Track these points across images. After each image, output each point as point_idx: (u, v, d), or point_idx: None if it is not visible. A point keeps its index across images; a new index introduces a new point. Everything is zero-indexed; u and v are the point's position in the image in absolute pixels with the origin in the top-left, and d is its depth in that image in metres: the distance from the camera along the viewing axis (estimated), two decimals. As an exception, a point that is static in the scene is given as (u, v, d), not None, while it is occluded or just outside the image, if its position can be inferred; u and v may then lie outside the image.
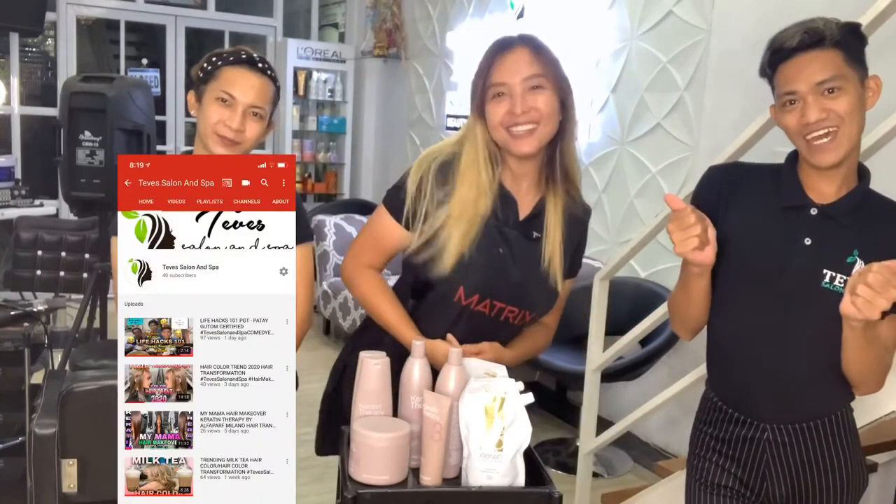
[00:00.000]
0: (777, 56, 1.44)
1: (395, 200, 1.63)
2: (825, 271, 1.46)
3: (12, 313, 2.61)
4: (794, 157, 1.55)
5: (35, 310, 2.66)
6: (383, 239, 1.67)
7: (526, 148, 1.54)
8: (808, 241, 1.47)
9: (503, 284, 1.60)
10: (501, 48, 1.56)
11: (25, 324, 2.61)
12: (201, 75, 1.74)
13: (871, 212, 1.48)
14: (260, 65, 1.73)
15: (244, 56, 1.73)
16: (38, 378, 2.52)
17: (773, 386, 1.53)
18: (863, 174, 1.51)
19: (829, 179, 1.47)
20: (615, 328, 2.91)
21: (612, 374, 3.26)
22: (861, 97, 1.43)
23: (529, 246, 1.62)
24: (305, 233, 1.79)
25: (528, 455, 1.43)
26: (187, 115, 6.21)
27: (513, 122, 1.52)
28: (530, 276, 1.61)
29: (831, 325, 1.42)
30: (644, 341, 3.25)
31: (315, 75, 6.26)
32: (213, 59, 1.73)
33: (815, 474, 1.56)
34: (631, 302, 3.45)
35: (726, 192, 1.56)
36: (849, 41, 1.42)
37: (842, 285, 1.43)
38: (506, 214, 1.60)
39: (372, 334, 1.70)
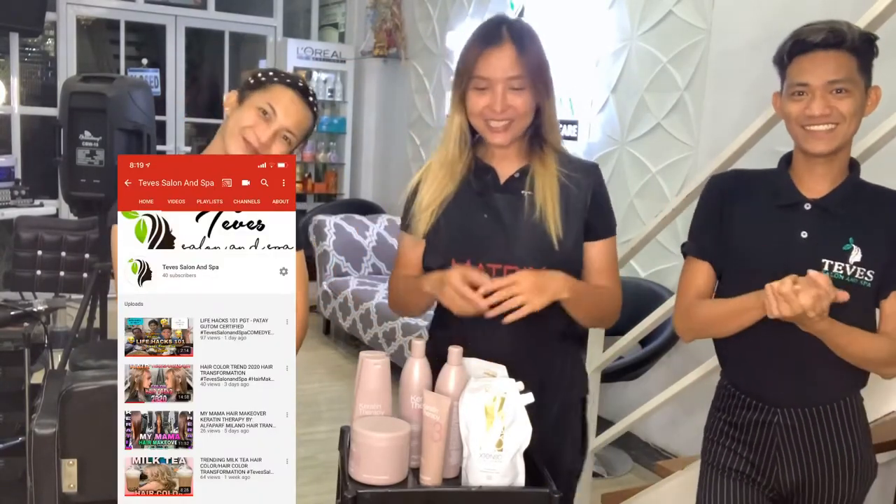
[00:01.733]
0: (798, 47, 1.51)
1: (403, 216, 1.71)
2: (824, 261, 1.53)
3: (12, 313, 2.61)
4: (787, 160, 1.63)
5: (35, 310, 2.66)
6: (405, 254, 1.71)
7: (499, 140, 1.59)
8: (804, 235, 1.55)
9: (491, 244, 1.60)
10: (489, 41, 1.57)
11: (25, 324, 2.61)
12: (252, 82, 1.75)
13: (862, 200, 1.56)
14: (311, 98, 1.75)
15: (301, 84, 1.75)
16: (38, 378, 2.52)
17: (783, 373, 1.59)
18: (852, 167, 1.59)
19: (820, 176, 1.56)
20: (615, 328, 2.90)
21: (612, 374, 3.25)
22: (863, 103, 1.52)
23: (517, 202, 1.61)
24: (299, 239, 1.82)
25: (528, 455, 1.44)
26: (187, 114, 6.23)
27: (491, 117, 1.57)
28: (520, 229, 1.59)
29: (839, 313, 1.47)
30: (644, 341, 3.25)
31: (315, 75, 6.26)
32: (271, 73, 1.75)
33: (823, 458, 1.60)
34: (631, 302, 3.42)
35: (728, 200, 1.65)
36: (864, 50, 1.50)
37: (841, 272, 1.52)
38: (484, 182, 1.63)
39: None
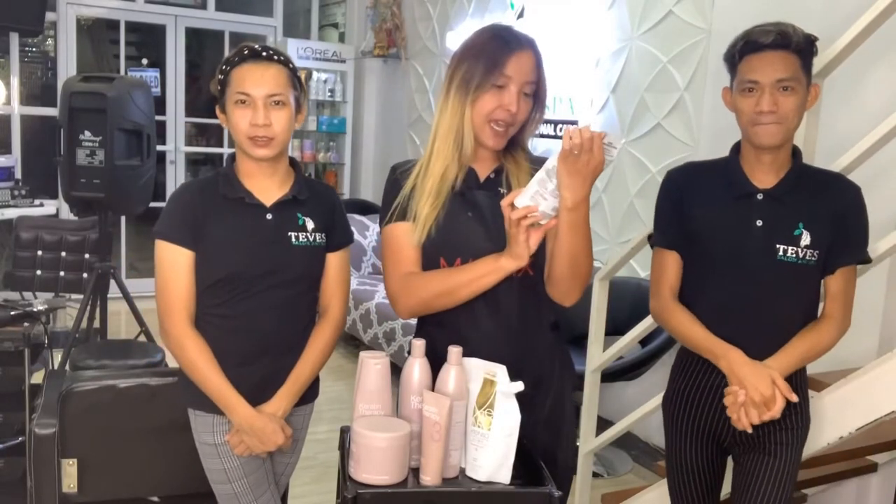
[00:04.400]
0: (749, 46, 1.65)
1: (384, 210, 1.67)
2: (778, 246, 1.68)
3: (12, 313, 2.61)
4: (736, 150, 1.76)
5: (35, 310, 2.66)
6: (404, 246, 1.64)
7: (496, 143, 1.62)
8: (759, 223, 1.70)
9: (480, 241, 1.60)
10: (514, 45, 1.58)
11: (25, 324, 2.61)
12: (219, 88, 1.73)
13: (807, 185, 1.71)
14: (264, 53, 1.71)
15: (247, 52, 1.71)
16: (38, 378, 2.52)
17: (747, 344, 1.69)
18: (795, 155, 1.73)
19: (767, 165, 1.70)
20: (615, 328, 2.91)
21: (612, 374, 3.25)
22: (804, 99, 1.66)
23: (496, 199, 1.60)
24: (350, 236, 1.89)
25: (528, 455, 1.43)
26: (187, 114, 6.22)
27: (502, 118, 1.58)
28: (501, 225, 1.57)
29: (791, 290, 1.70)
30: (644, 341, 3.25)
31: (315, 75, 6.25)
32: (223, 67, 1.72)
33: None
34: (631, 302, 3.45)
35: (687, 192, 1.79)
36: (807, 51, 1.65)
37: (794, 256, 1.68)
38: (467, 182, 1.64)
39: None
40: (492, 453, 1.40)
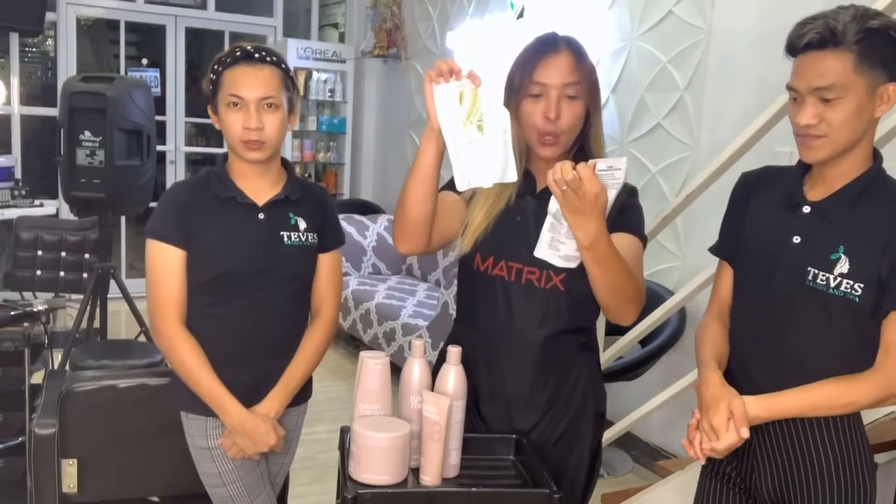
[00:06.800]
0: (790, 49, 1.41)
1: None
2: (809, 269, 1.42)
3: (12, 313, 2.61)
4: None
5: (35, 310, 2.66)
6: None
7: (548, 153, 1.58)
8: (797, 240, 1.45)
9: (517, 246, 1.59)
10: (546, 48, 1.57)
11: (25, 324, 2.61)
12: (211, 88, 1.72)
13: (871, 204, 1.41)
14: (257, 55, 1.69)
15: (239, 53, 1.69)
16: (38, 378, 2.52)
17: (764, 381, 1.49)
18: (874, 160, 1.44)
19: (829, 176, 1.44)
20: (615, 328, 2.91)
21: (612, 374, 3.25)
22: (865, 104, 1.36)
23: (546, 212, 1.59)
24: (342, 236, 1.90)
25: (529, 456, 1.43)
26: (187, 115, 6.22)
27: (544, 126, 1.55)
28: None
29: (822, 327, 1.42)
30: (644, 341, 3.25)
31: (315, 75, 6.25)
32: (215, 67, 1.71)
33: (801, 471, 1.49)
34: (631, 302, 3.45)
35: (749, 197, 1.58)
36: (870, 42, 1.33)
37: (824, 283, 1.40)
38: (523, 188, 1.62)
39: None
40: (494, 153, 1.42)
